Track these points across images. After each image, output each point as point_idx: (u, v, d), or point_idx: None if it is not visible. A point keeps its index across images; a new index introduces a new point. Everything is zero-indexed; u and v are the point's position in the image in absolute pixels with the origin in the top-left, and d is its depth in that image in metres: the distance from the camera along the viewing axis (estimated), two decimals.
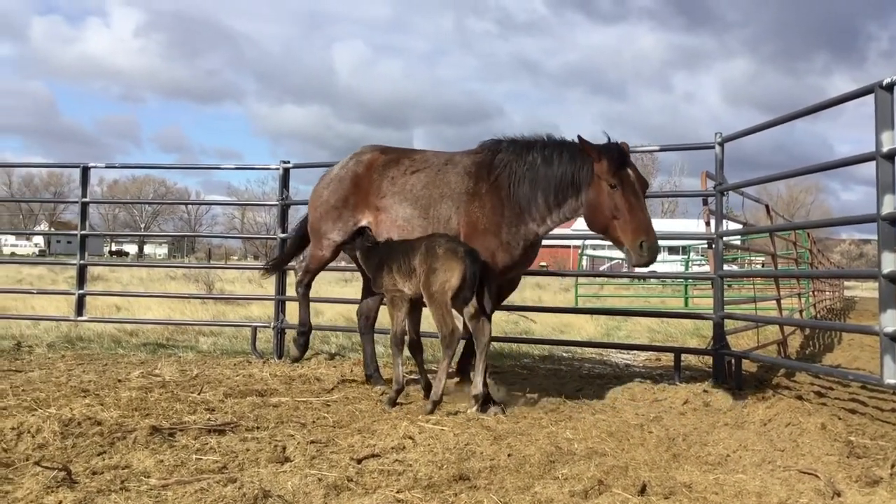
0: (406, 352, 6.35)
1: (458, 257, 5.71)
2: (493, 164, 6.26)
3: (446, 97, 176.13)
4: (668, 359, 9.32)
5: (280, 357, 9.01)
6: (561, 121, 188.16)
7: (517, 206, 6.14)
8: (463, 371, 6.69)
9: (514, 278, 6.76)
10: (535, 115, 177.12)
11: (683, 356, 8.00)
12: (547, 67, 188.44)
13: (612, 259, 38.41)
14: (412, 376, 7.06)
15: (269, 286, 9.90)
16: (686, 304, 21.78)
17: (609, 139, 5.99)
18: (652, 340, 11.96)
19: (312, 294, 7.61)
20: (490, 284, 6.06)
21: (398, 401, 6.14)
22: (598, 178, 5.84)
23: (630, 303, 23.10)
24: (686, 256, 28.94)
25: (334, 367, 8.22)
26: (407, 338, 6.30)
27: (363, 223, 6.75)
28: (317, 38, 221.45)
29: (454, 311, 5.86)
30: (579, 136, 5.93)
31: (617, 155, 5.78)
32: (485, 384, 5.89)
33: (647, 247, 5.66)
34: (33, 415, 5.09)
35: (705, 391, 6.74)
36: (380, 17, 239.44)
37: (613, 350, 10.05)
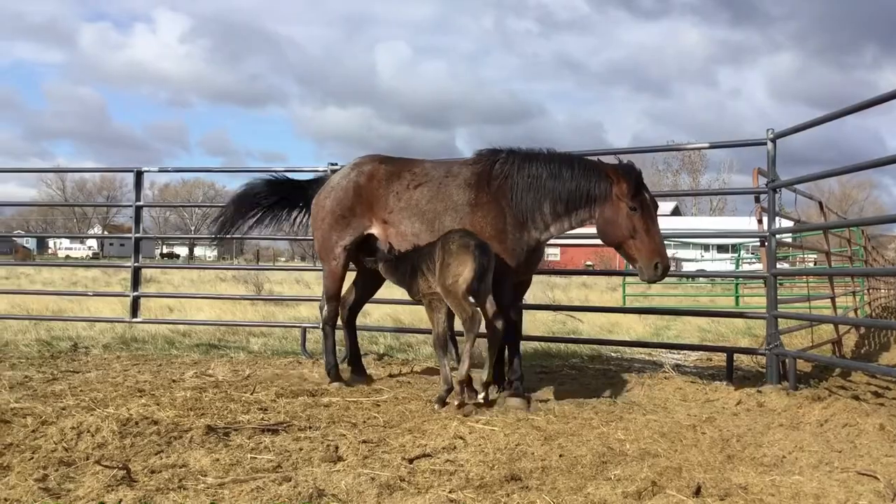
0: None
1: (469, 251, 5.89)
2: (492, 174, 6.51)
3: (489, 97, 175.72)
4: (719, 359, 9.20)
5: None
6: (605, 119, 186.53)
7: (520, 214, 6.42)
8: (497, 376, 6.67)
9: (524, 281, 6.93)
10: (578, 115, 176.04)
11: (736, 356, 7.89)
12: (590, 66, 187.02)
13: None
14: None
15: (316, 287, 10.00)
16: (737, 303, 21.47)
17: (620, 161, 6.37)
18: (703, 340, 11.81)
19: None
20: (503, 287, 6.29)
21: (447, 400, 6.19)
22: (616, 198, 6.14)
23: (679, 302, 22.85)
24: (736, 255, 28.52)
25: (383, 367, 8.28)
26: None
27: (371, 231, 6.99)
28: (359, 40, 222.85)
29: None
30: (598, 160, 6.38)
31: (636, 179, 6.10)
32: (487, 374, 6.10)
33: (661, 267, 6.07)
34: (92, 414, 5.22)
35: (759, 391, 6.65)
36: (422, 18, 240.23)
37: (663, 350, 9.94)
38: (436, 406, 6.05)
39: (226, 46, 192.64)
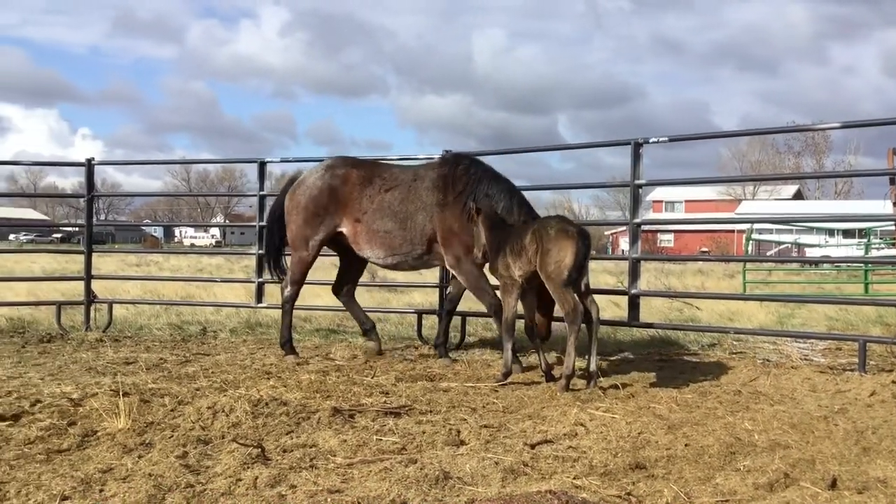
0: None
1: (570, 236, 5.97)
2: (456, 176, 7.43)
3: (587, 81, 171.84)
4: (849, 348, 8.79)
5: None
6: (711, 100, 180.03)
7: None
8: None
9: None
10: (681, 96, 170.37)
11: (868, 345, 7.52)
12: (691, 46, 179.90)
13: (780, 243, 36.66)
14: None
15: (428, 274, 10.13)
16: (866, 290, 20.43)
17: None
18: (831, 329, 11.30)
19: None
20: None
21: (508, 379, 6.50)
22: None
23: (802, 289, 21.93)
24: (866, 240, 27.14)
25: (499, 353, 8.30)
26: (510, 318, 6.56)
27: (341, 229, 7.87)
28: (454, 27, 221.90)
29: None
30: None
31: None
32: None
33: None
34: (225, 395, 5.47)
35: (894, 382, 6.32)
36: (518, 3, 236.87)
37: (789, 339, 9.58)
38: (496, 383, 6.37)
39: (324, 38, 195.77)
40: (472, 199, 7.13)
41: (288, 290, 8.16)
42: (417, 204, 7.55)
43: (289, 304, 8.16)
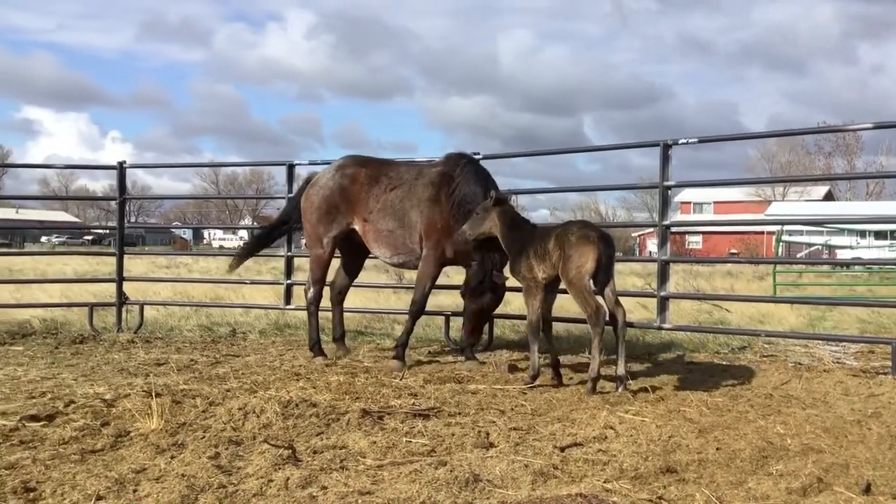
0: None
1: (591, 242, 5.99)
2: (454, 176, 7.47)
3: (614, 82, 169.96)
4: (882, 351, 8.66)
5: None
6: (739, 100, 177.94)
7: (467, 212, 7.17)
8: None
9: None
10: (708, 97, 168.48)
11: None
12: (718, 46, 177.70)
13: (811, 245, 36.23)
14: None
15: (455, 276, 10.12)
16: None
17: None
18: (863, 332, 11.15)
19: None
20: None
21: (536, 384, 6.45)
22: None
23: (833, 291, 21.65)
24: None
25: (526, 356, 8.29)
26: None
27: (353, 226, 7.98)
28: (480, 29, 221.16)
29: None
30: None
31: None
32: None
33: None
34: (255, 396, 5.51)
35: None
36: (543, 4, 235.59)
37: (820, 342, 9.48)
38: (524, 386, 6.35)
39: (350, 41, 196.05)
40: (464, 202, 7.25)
41: (311, 292, 8.23)
42: (413, 200, 7.64)
43: (314, 306, 8.22)
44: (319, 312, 8.29)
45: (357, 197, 7.89)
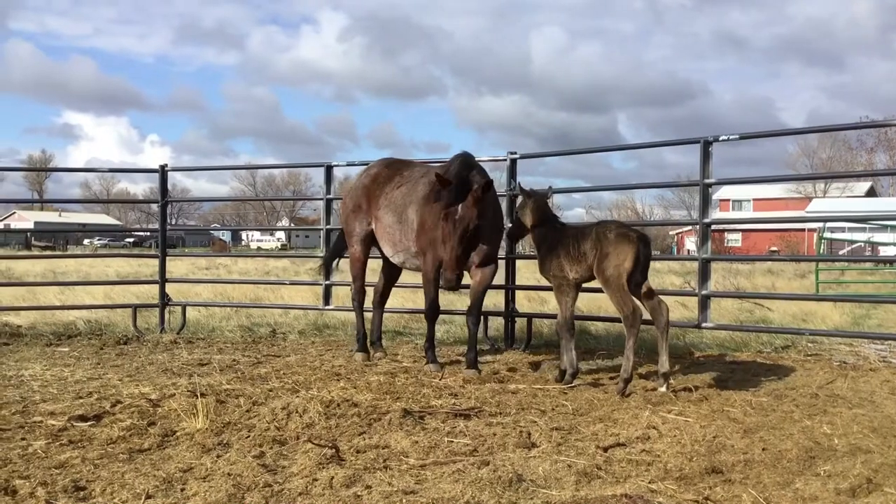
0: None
1: (630, 241, 5.99)
2: (448, 169, 7.17)
3: (648, 79, 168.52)
4: None
5: (511, 345, 9.17)
6: (776, 96, 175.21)
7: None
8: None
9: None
10: (745, 93, 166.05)
11: None
12: (754, 41, 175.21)
13: (853, 242, 35.57)
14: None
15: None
16: None
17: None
18: None
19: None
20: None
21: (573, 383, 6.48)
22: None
23: (877, 289, 21.24)
24: None
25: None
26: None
27: (372, 225, 8.08)
28: (512, 27, 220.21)
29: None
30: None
31: None
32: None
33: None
34: (297, 396, 5.57)
35: None
36: (575, 2, 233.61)
37: (865, 340, 9.31)
38: (560, 382, 6.42)
39: (382, 42, 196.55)
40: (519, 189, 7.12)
41: (352, 289, 8.44)
42: (412, 197, 7.64)
43: (355, 302, 8.39)
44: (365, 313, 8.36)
45: (374, 194, 8.05)
